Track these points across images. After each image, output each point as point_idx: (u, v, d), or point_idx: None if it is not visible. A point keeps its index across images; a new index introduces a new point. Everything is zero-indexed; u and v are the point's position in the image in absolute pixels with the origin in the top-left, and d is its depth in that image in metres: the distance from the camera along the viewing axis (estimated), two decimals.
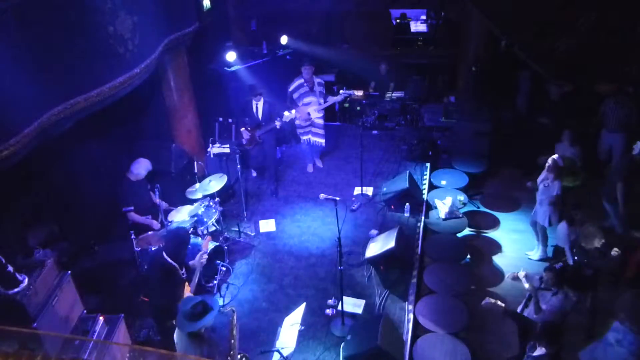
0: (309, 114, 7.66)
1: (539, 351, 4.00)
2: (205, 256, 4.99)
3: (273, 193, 7.74)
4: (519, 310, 4.72)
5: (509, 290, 6.03)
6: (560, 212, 6.06)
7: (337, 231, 5.04)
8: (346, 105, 9.51)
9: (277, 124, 7.12)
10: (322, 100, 7.73)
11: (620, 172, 6.17)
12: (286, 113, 7.13)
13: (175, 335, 4.05)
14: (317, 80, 7.66)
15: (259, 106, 7.23)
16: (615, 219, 6.36)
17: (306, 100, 7.67)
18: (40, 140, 4.26)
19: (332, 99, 7.82)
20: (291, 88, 7.70)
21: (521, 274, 4.62)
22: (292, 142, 9.15)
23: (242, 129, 7.28)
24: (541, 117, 7.99)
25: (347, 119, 9.68)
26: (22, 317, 3.60)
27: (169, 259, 4.49)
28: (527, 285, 4.53)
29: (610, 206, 6.35)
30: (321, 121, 7.88)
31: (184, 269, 4.69)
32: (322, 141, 8.03)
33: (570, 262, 5.27)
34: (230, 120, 7.99)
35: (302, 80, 7.62)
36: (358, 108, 9.59)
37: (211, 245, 5.79)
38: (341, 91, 8.27)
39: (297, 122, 7.75)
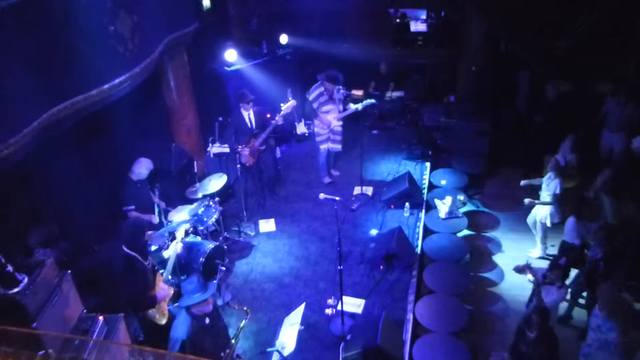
0: (329, 122, 7.48)
1: (532, 335, 4.04)
2: (180, 244, 5.14)
3: (273, 193, 7.73)
4: (525, 305, 4.75)
5: (509, 289, 6.04)
6: (562, 211, 6.05)
7: (337, 231, 5.04)
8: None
9: (278, 118, 6.90)
10: (341, 107, 7.49)
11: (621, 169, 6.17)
12: (283, 105, 6.92)
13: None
14: (336, 87, 7.33)
15: (250, 116, 6.98)
16: (609, 212, 6.34)
17: (325, 108, 7.41)
18: (40, 139, 4.25)
19: (352, 109, 7.44)
20: (311, 97, 7.44)
21: (527, 267, 4.66)
22: (292, 142, 9.14)
23: (239, 147, 6.92)
24: (537, 115, 7.99)
25: (347, 118, 9.66)
26: (22, 316, 3.59)
27: (127, 250, 4.62)
28: (529, 277, 4.56)
29: (609, 199, 6.32)
30: (340, 128, 7.63)
31: (149, 259, 4.80)
32: (339, 147, 7.81)
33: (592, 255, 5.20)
34: (230, 120, 7.97)
35: (321, 89, 7.35)
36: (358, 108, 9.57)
37: (210, 244, 5.78)
38: (367, 100, 7.72)
39: (315, 129, 7.63)
